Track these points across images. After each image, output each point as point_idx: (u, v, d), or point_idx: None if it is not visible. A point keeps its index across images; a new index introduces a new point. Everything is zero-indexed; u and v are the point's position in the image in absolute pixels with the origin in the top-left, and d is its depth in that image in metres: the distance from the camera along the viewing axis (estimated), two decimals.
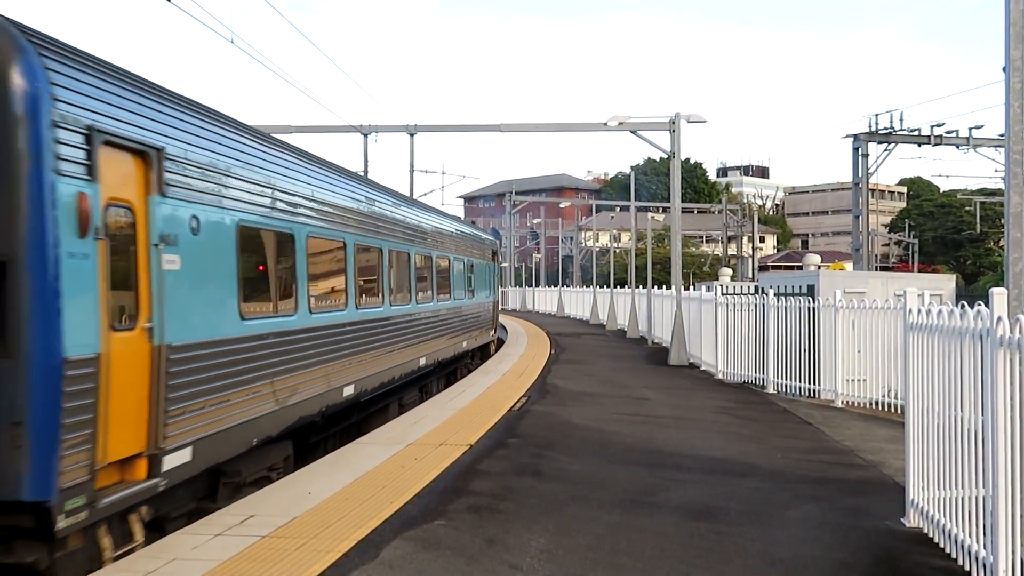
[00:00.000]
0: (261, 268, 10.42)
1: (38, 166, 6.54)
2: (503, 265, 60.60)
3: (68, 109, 6.82)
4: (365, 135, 31.64)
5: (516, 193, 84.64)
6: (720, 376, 20.81)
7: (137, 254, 7.67)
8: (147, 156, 7.84)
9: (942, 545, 7.44)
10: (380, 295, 15.10)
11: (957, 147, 42.59)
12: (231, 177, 9.44)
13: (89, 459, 6.78)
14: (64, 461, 6.51)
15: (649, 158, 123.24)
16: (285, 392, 10.49)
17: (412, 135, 32.24)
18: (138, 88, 8.17)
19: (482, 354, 27.06)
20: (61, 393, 6.53)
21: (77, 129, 6.88)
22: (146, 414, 7.61)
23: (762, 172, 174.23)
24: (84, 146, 6.95)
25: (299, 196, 11.37)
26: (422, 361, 17.97)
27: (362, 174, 26.35)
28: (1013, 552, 6.07)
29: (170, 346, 7.90)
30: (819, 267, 24.09)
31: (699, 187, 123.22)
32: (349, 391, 13.05)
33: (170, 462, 7.88)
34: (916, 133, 42.12)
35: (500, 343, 30.55)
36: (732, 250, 77.61)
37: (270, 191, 10.46)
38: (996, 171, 55.62)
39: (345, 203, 13.36)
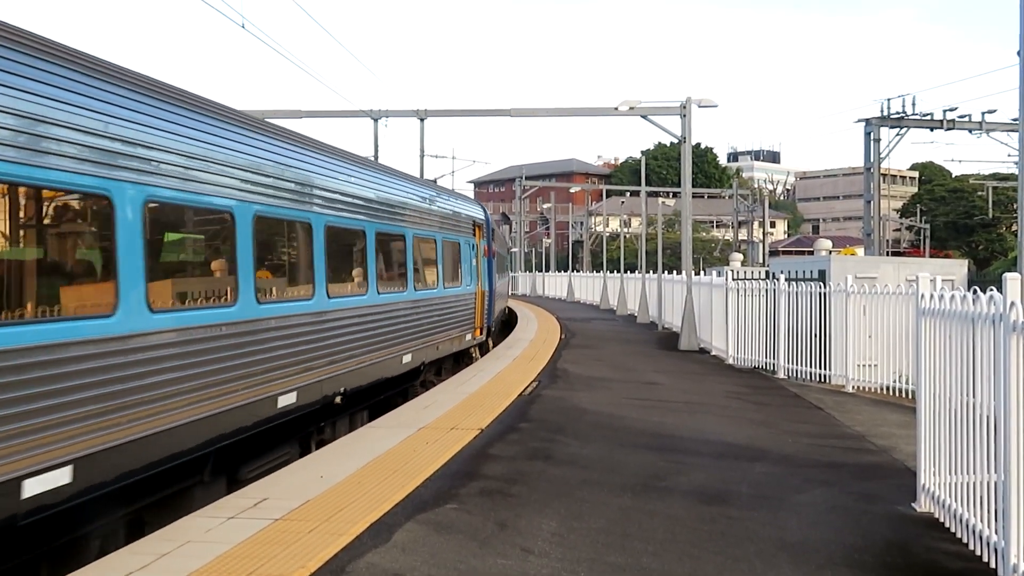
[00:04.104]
0: (499, 267, 28.10)
1: (490, 239, 24.43)
2: (513, 251, 60.92)
3: (490, 223, 25.09)
4: (375, 120, 31.64)
5: (526, 178, 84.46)
6: (730, 361, 20.82)
7: (484, 260, 23.50)
8: (479, 227, 22.66)
9: (953, 530, 7.44)
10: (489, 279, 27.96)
11: (969, 131, 42.36)
12: (503, 241, 34.33)
13: (480, 324, 22.55)
14: (487, 320, 23.90)
15: (660, 143, 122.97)
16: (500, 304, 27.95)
17: (422, 120, 32.25)
18: (485, 210, 25.49)
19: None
20: (481, 301, 22.55)
21: (489, 226, 24.64)
22: (483, 316, 22.81)
23: (773, 157, 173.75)
24: (487, 232, 23.91)
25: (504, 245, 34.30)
26: (505, 306, 34.16)
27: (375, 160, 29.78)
28: None
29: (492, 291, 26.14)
30: (830, 252, 24.00)
31: (710, 172, 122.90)
32: (504, 309, 31.30)
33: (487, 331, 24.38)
34: (928, 118, 41.89)
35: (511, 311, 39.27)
36: (743, 235, 77.34)
37: (505, 248, 36.91)
38: (1009, 156, 55.39)
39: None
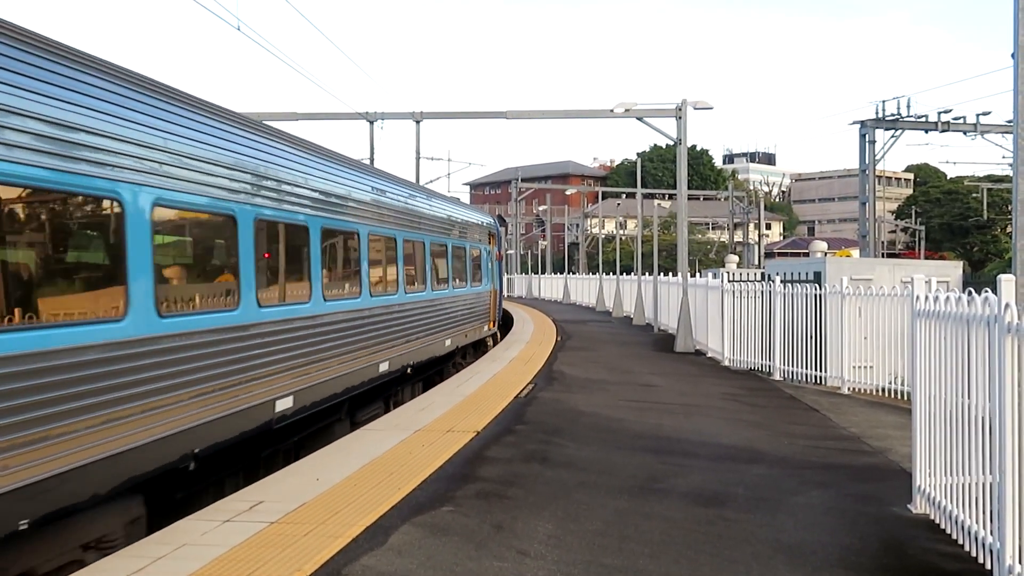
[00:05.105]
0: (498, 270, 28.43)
1: (500, 246, 28.27)
2: (509, 252, 61.21)
3: (499, 231, 28.44)
4: (371, 122, 31.64)
5: (522, 180, 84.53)
6: (726, 363, 20.83)
7: (495, 264, 26.67)
8: (493, 236, 26.41)
9: (948, 531, 7.45)
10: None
11: (964, 133, 42.46)
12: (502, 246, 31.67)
13: (493, 317, 26.20)
14: (498, 314, 27.60)
15: (655, 145, 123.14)
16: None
17: (418, 122, 32.24)
18: (495, 221, 28.77)
19: None
20: (494, 299, 26.38)
21: (499, 235, 28.23)
22: (495, 311, 26.54)
23: (768, 159, 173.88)
24: (498, 239, 27.50)
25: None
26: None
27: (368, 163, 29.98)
28: (1019, 538, 6.08)
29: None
30: (825, 254, 24.03)
31: (705, 174, 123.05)
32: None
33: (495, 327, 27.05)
34: (923, 119, 41.97)
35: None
36: (738, 237, 77.45)
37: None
38: (1004, 157, 55.52)
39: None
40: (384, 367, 14.94)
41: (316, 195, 11.91)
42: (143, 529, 8.01)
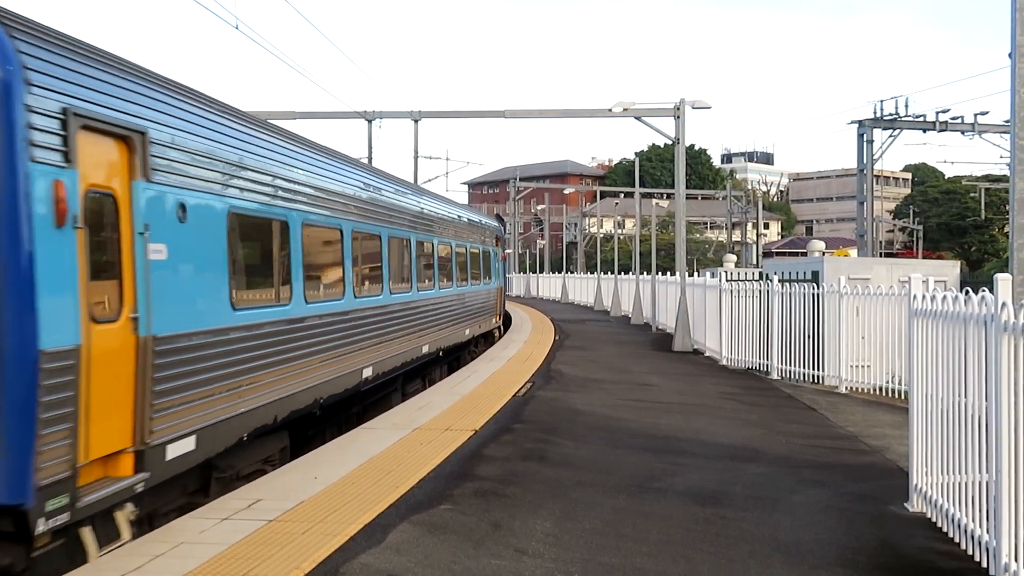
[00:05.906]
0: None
1: (504, 246, 31.24)
2: (508, 251, 61.47)
3: (504, 234, 32.03)
4: (369, 121, 31.63)
5: (520, 179, 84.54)
6: (724, 362, 20.85)
7: (500, 264, 29.37)
8: (499, 238, 29.32)
9: (945, 529, 7.47)
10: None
11: (962, 133, 42.45)
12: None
13: (499, 311, 29.40)
14: (500, 310, 29.72)
15: (653, 144, 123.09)
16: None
17: (416, 121, 32.21)
18: (500, 224, 32.07)
19: None
20: (500, 295, 29.45)
21: (504, 236, 31.79)
22: (501, 305, 29.04)
23: (767, 158, 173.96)
24: (503, 241, 30.89)
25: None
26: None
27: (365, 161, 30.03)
28: (1015, 536, 6.10)
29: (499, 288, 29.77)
30: (823, 253, 24.06)
31: (703, 173, 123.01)
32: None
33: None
34: (921, 119, 41.97)
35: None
36: (736, 236, 77.46)
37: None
38: (1001, 157, 55.43)
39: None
40: (425, 349, 17.94)
41: (384, 211, 15.14)
42: (288, 455, 10.86)
